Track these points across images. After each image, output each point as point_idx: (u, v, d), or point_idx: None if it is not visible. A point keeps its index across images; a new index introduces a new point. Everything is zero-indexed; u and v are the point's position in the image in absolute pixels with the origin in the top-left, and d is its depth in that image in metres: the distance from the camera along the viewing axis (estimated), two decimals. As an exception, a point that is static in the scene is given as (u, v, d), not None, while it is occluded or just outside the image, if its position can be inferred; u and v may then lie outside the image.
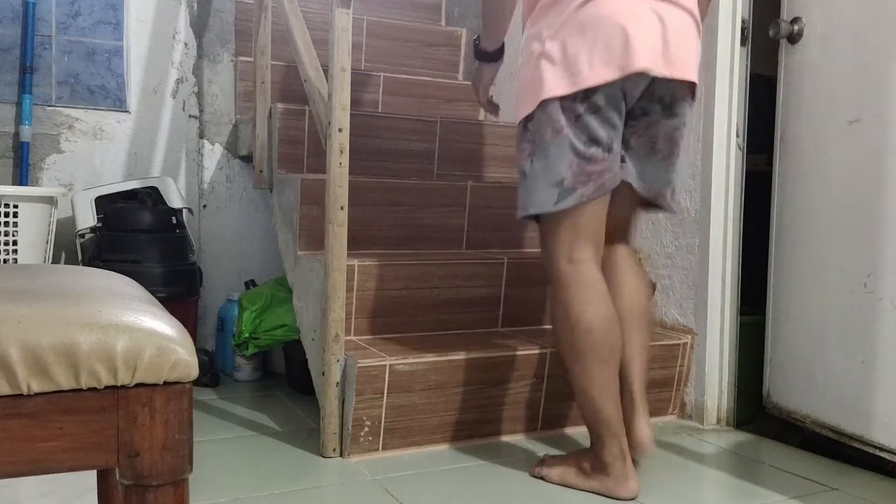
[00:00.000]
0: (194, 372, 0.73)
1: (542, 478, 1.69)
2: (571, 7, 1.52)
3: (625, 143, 1.62)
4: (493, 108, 1.92)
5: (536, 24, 1.59)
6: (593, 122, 1.53)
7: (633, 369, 1.67)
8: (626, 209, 1.71)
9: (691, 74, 1.57)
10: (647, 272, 2.32)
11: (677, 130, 1.63)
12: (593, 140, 1.54)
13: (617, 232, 1.71)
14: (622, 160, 1.63)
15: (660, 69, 1.51)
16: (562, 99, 1.52)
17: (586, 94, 1.51)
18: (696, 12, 1.60)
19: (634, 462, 1.64)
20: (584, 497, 1.61)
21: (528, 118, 1.58)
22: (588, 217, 1.58)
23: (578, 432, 2.02)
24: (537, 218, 1.64)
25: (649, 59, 1.50)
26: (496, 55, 1.83)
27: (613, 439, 1.59)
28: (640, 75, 1.51)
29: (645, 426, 1.66)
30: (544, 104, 1.54)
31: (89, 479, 1.23)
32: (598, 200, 1.58)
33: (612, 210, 1.65)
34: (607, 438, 1.59)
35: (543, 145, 1.56)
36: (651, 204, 1.71)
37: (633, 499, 1.59)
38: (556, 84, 1.52)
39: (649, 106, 1.59)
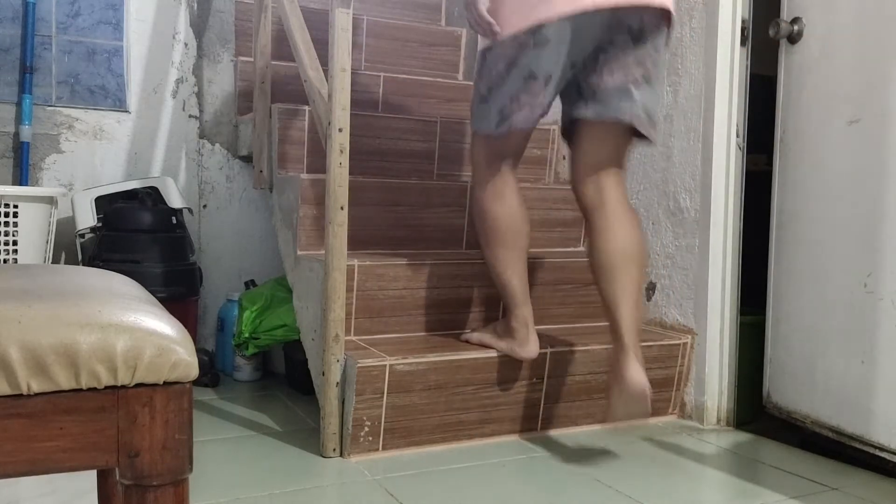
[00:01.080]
0: (194, 372, 0.73)
1: (466, 341, 1.99)
2: None
3: (597, 80, 1.72)
4: (489, 25, 1.95)
5: None
6: (540, 56, 1.66)
7: (620, 312, 1.73)
8: (610, 148, 1.80)
9: (656, 2, 1.65)
10: (648, 271, 2.32)
11: (648, 56, 1.71)
12: (533, 74, 1.68)
13: (604, 174, 1.79)
14: (592, 100, 1.74)
15: (617, 1, 1.61)
16: (516, 34, 1.66)
17: (538, 28, 1.63)
18: None
19: (632, 401, 1.70)
20: (585, 497, 1.61)
21: (488, 49, 1.75)
22: (515, 138, 1.80)
23: (579, 432, 2.02)
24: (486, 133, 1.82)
25: None
26: None
27: (518, 309, 1.87)
28: (596, 12, 1.62)
29: (637, 370, 1.69)
30: (503, 40, 1.68)
31: (89, 479, 1.23)
32: (526, 127, 1.77)
33: (595, 151, 1.79)
34: (513, 308, 1.87)
35: (497, 75, 1.72)
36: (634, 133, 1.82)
37: (531, 358, 1.89)
38: (511, 20, 1.66)
39: (617, 37, 1.69)
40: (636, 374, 1.68)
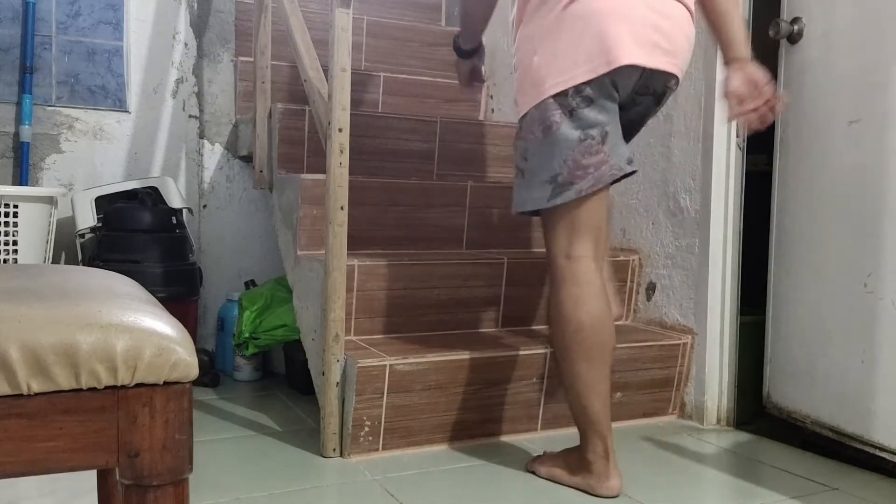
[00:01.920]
0: (194, 372, 0.73)
1: (533, 472, 1.73)
2: (561, 4, 1.55)
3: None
4: (472, 80, 2.01)
5: (528, 24, 1.62)
6: (589, 115, 1.55)
7: (604, 408, 1.63)
8: (607, 212, 1.69)
9: (682, 65, 1.62)
10: (647, 272, 2.32)
11: (655, 115, 1.74)
12: (588, 133, 1.55)
13: (606, 244, 1.76)
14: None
15: (651, 62, 1.54)
16: (555, 96, 1.55)
17: (578, 89, 1.54)
18: (690, 1, 1.62)
19: None
20: (584, 498, 1.61)
21: (524, 116, 1.62)
22: (586, 212, 1.59)
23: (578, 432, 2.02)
24: (538, 213, 1.66)
25: (638, 53, 1.52)
26: (472, 53, 1.97)
27: (598, 438, 1.61)
28: (631, 68, 1.53)
29: (618, 478, 1.63)
30: (540, 102, 1.57)
31: (89, 479, 1.23)
32: (596, 194, 1.59)
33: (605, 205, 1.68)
34: (592, 436, 1.61)
35: (538, 142, 1.58)
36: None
37: (614, 497, 1.61)
38: (548, 82, 1.55)
39: (641, 98, 1.63)
40: (616, 482, 1.62)
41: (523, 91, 1.61)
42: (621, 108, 1.61)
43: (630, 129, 1.69)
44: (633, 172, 1.64)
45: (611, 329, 1.61)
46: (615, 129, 1.59)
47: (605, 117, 1.56)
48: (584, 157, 1.55)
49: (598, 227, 1.62)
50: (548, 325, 1.68)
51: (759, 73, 1.55)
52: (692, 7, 1.62)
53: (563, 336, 1.60)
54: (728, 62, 1.59)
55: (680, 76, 1.62)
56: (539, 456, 1.77)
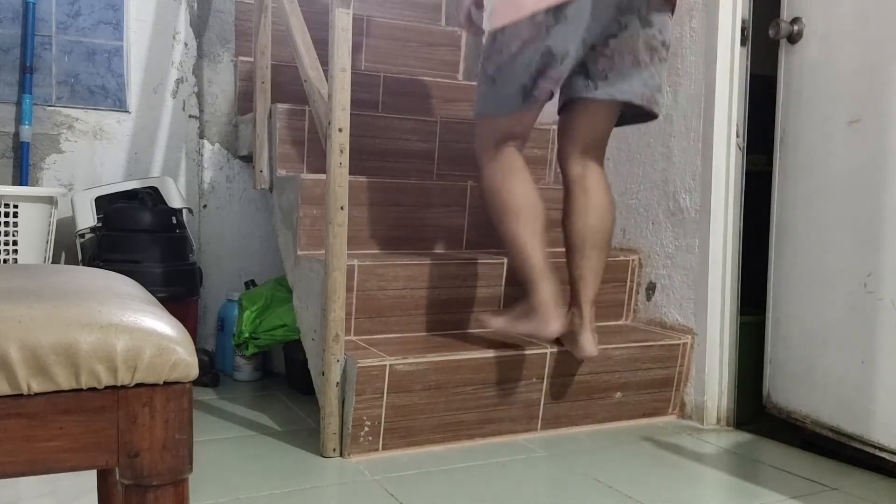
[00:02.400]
0: (194, 372, 0.73)
1: (483, 324, 1.93)
2: None
3: (608, 63, 1.77)
4: (474, 27, 2.02)
5: None
6: (558, 33, 1.67)
7: (583, 286, 1.88)
8: (604, 130, 1.87)
9: None
10: (647, 272, 2.32)
11: (655, 38, 1.78)
12: (551, 52, 1.68)
13: (591, 149, 1.88)
14: (603, 81, 1.78)
15: None
16: (533, 14, 1.67)
17: (557, 8, 1.65)
18: None
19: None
20: (585, 497, 1.61)
21: (500, 30, 1.74)
22: (524, 119, 1.80)
23: (579, 432, 2.02)
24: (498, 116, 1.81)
25: None
26: None
27: (540, 284, 1.78)
28: None
29: (589, 339, 1.89)
30: (518, 19, 1.69)
31: (89, 479, 1.23)
32: (539, 105, 1.77)
33: (591, 132, 1.84)
34: (535, 284, 1.79)
35: (511, 56, 1.72)
36: (632, 116, 1.88)
37: (555, 337, 1.84)
38: (526, 1, 1.67)
39: (627, 19, 1.72)
40: (588, 343, 1.88)
41: (505, 6, 1.72)
42: (609, 34, 1.73)
43: (634, 54, 1.76)
44: (647, 114, 1.84)
45: (537, 193, 1.80)
46: (573, 56, 1.71)
47: (576, 38, 1.69)
48: (547, 70, 1.70)
49: (527, 132, 1.84)
50: (484, 202, 1.86)
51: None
52: None
53: (496, 204, 1.81)
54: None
55: None
56: (493, 310, 2.00)
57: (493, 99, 1.79)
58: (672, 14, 1.82)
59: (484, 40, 1.82)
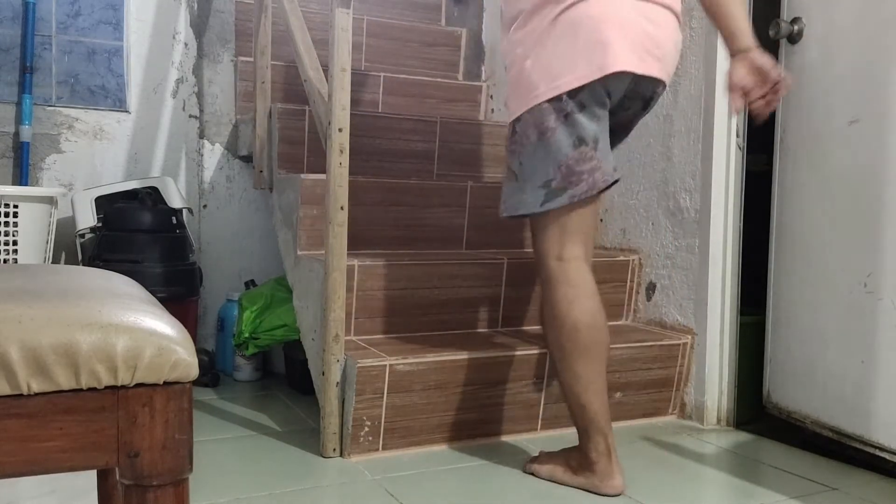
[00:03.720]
0: (194, 372, 0.73)
1: (532, 473, 1.72)
2: (556, 11, 1.56)
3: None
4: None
5: (521, 29, 1.62)
6: (582, 120, 1.56)
7: (601, 406, 1.65)
8: (598, 211, 1.81)
9: (670, 71, 1.64)
10: (647, 272, 2.32)
11: (641, 120, 1.76)
12: (582, 139, 1.57)
13: (592, 246, 1.75)
14: None
15: (642, 69, 1.56)
16: (549, 101, 1.56)
17: (572, 94, 1.55)
18: (678, 8, 1.65)
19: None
20: (585, 497, 1.61)
21: (517, 120, 1.62)
22: (578, 216, 1.62)
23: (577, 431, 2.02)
24: (526, 215, 1.66)
25: (631, 60, 1.54)
26: None
27: (599, 436, 1.62)
28: (623, 74, 1.55)
29: (621, 476, 1.64)
30: (533, 107, 1.58)
31: (89, 479, 1.23)
32: (588, 200, 1.61)
33: (594, 213, 1.72)
34: (593, 435, 1.62)
35: (533, 146, 1.59)
36: None
37: (617, 495, 1.62)
38: (542, 87, 1.57)
39: (630, 102, 1.65)
40: (620, 480, 1.63)
41: (517, 95, 1.62)
42: (610, 113, 1.63)
43: (617, 134, 1.72)
44: (617, 181, 1.66)
45: (605, 327, 1.63)
46: (605, 137, 1.62)
47: (598, 124, 1.59)
48: (578, 163, 1.57)
49: (588, 231, 1.65)
50: (542, 326, 1.70)
51: (764, 59, 1.52)
52: (679, 13, 1.65)
53: (559, 336, 1.61)
54: (732, 54, 1.57)
55: (667, 81, 1.66)
56: (537, 456, 1.77)
57: (519, 197, 1.62)
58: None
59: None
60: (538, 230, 1.65)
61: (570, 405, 1.65)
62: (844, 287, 1.83)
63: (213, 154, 2.67)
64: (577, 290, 1.61)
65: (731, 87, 1.56)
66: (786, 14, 2.00)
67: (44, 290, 0.79)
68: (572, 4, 1.54)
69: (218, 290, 2.66)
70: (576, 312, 1.59)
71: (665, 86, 1.66)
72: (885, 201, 1.74)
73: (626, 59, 1.54)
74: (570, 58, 1.54)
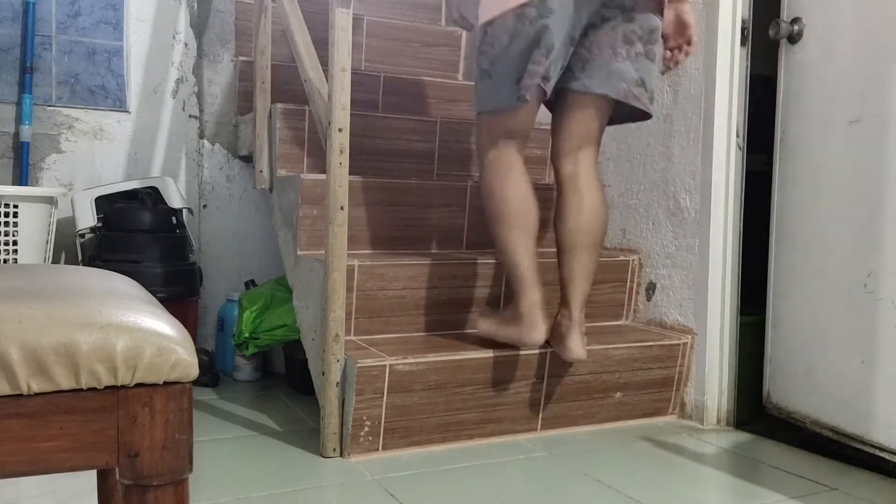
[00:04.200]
0: (194, 372, 0.73)
1: (476, 331, 1.94)
2: None
3: (586, 54, 1.78)
4: (465, 22, 2.01)
5: None
6: (547, 27, 1.67)
7: (575, 287, 1.86)
8: (593, 124, 1.86)
9: None
10: (647, 272, 2.32)
11: (634, 32, 1.78)
12: (540, 45, 1.69)
13: (584, 150, 1.87)
14: (582, 72, 1.79)
15: None
16: (519, 7, 1.67)
17: (542, 1, 1.66)
18: None
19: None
20: (585, 497, 1.61)
21: (489, 24, 1.74)
22: (523, 115, 1.79)
23: (579, 432, 2.02)
24: (503, 110, 1.80)
25: None
26: None
27: (528, 291, 1.80)
28: None
29: (578, 341, 1.86)
30: (504, 13, 1.70)
31: (89, 479, 1.23)
32: (533, 101, 1.76)
33: (580, 127, 1.83)
34: (523, 291, 1.80)
35: (504, 48, 1.72)
36: (627, 114, 1.87)
37: (538, 344, 1.84)
38: None
39: (608, 12, 1.74)
40: (576, 345, 1.86)
41: (489, 1, 1.73)
42: (591, 25, 1.75)
43: (612, 47, 1.77)
44: (638, 114, 1.88)
45: (533, 201, 1.81)
46: (564, 48, 1.72)
47: (562, 32, 1.69)
48: (539, 66, 1.70)
49: (526, 132, 1.83)
50: (481, 201, 1.86)
51: (688, 16, 1.80)
52: None
53: (491, 206, 1.81)
54: (668, 1, 1.79)
55: None
56: (481, 312, 1.96)
57: (490, 94, 1.78)
58: (661, 15, 1.80)
59: (476, 35, 1.83)
60: (486, 123, 1.82)
61: (504, 266, 1.85)
62: (844, 287, 1.83)
63: (213, 154, 2.67)
64: (508, 169, 1.81)
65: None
66: (786, 14, 2.00)
67: (44, 290, 0.79)
68: None
69: (218, 290, 2.66)
70: (506, 187, 1.79)
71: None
72: (885, 201, 1.74)
73: None
74: None
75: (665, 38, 1.83)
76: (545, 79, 1.73)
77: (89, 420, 0.70)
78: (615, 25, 1.76)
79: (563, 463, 1.80)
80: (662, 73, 2.02)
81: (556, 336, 1.90)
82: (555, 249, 1.92)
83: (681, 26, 1.81)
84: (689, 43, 1.82)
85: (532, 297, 1.81)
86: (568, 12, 1.69)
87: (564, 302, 1.90)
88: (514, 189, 1.80)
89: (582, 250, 1.85)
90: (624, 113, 1.88)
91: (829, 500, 1.63)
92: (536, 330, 1.81)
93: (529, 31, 1.69)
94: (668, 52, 1.86)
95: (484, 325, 1.91)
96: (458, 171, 2.59)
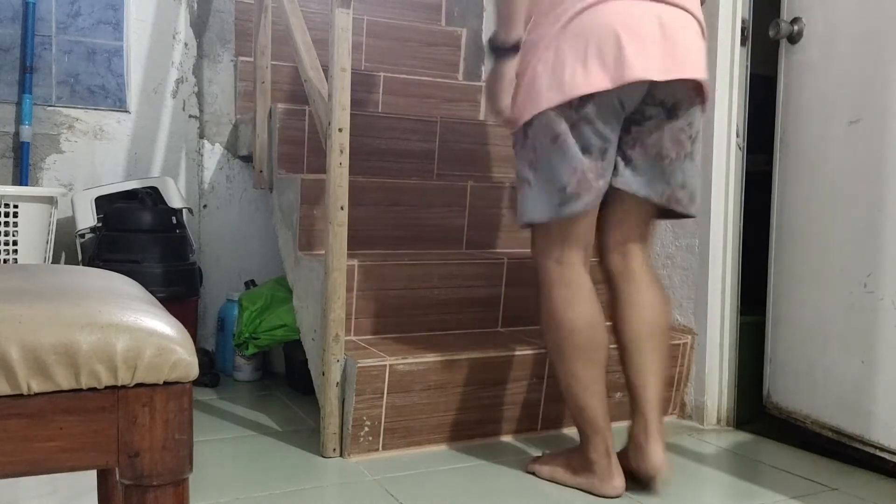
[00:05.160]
0: (194, 372, 0.73)
1: (534, 473, 1.72)
2: (568, 15, 1.51)
3: (630, 152, 1.62)
4: (511, 120, 1.65)
5: (533, 32, 1.58)
6: (587, 131, 1.53)
7: (648, 395, 1.64)
8: (639, 220, 1.69)
9: (692, 73, 1.54)
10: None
11: (683, 132, 1.61)
12: (587, 148, 1.54)
13: (632, 244, 1.70)
14: (625, 169, 1.62)
15: (656, 74, 1.49)
16: (558, 107, 1.52)
17: (581, 103, 1.51)
18: (698, 12, 1.59)
19: (650, 482, 1.63)
20: (583, 498, 1.61)
21: (527, 125, 1.59)
22: (580, 223, 1.61)
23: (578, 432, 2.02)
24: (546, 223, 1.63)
25: (644, 67, 1.48)
26: (517, 47, 1.61)
27: (598, 437, 1.62)
28: (636, 83, 1.50)
29: (658, 451, 1.62)
30: (541, 113, 1.54)
31: (89, 479, 1.23)
32: (592, 209, 1.61)
33: (625, 221, 1.67)
34: (592, 436, 1.62)
35: (544, 153, 1.57)
36: (669, 211, 1.68)
37: (617, 496, 1.61)
38: (551, 93, 1.52)
39: (651, 110, 1.58)
40: (657, 455, 1.61)
41: (527, 98, 1.57)
42: (632, 122, 1.59)
43: (658, 148, 1.61)
44: (683, 215, 1.66)
45: (604, 329, 1.62)
46: (613, 147, 1.58)
47: (602, 137, 1.55)
48: (589, 171, 1.55)
49: (588, 239, 1.65)
50: (541, 330, 1.69)
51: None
52: (700, 15, 1.59)
53: (556, 337, 1.62)
54: None
55: (695, 79, 1.55)
56: (539, 456, 1.77)
57: (535, 203, 1.60)
58: (704, 108, 1.64)
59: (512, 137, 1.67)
60: (541, 234, 1.65)
61: (570, 406, 1.65)
62: (844, 287, 1.83)
63: (213, 154, 2.67)
64: (575, 293, 1.61)
65: None
66: (786, 14, 2.00)
67: (44, 290, 0.79)
68: (584, 9, 1.50)
69: (218, 290, 2.66)
70: (573, 314, 1.59)
71: (692, 90, 1.57)
72: (885, 201, 1.74)
73: (639, 67, 1.48)
74: (582, 64, 1.49)
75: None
76: (602, 178, 1.58)
77: (89, 420, 0.70)
78: (658, 125, 1.59)
79: (563, 463, 1.80)
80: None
81: (632, 447, 1.65)
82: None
83: None
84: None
85: (605, 443, 1.62)
86: (609, 113, 1.54)
87: (637, 408, 1.65)
88: (581, 317, 1.59)
89: (650, 349, 1.65)
90: (667, 211, 1.71)
91: (829, 500, 1.63)
92: (615, 479, 1.61)
93: (575, 134, 1.53)
94: None
95: (546, 471, 1.71)
96: (458, 171, 2.59)
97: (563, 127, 1.53)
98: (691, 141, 1.63)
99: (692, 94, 1.59)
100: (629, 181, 1.62)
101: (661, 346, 1.67)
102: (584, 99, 1.50)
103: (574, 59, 1.50)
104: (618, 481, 1.61)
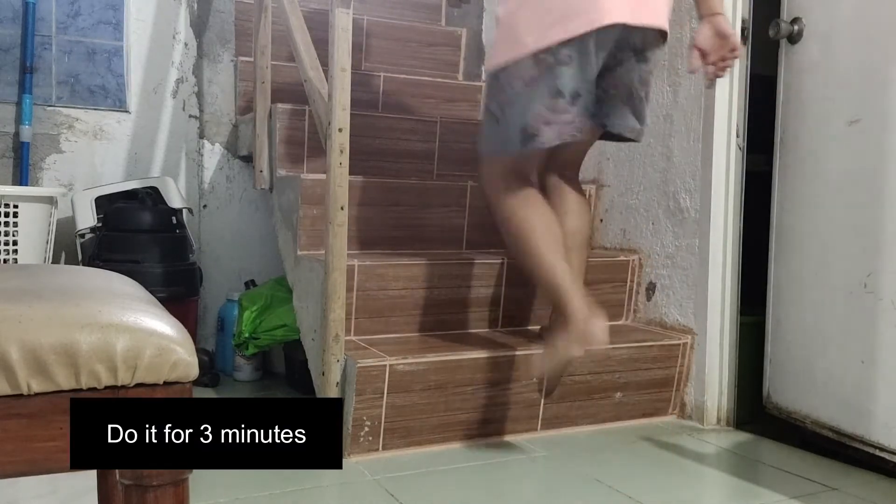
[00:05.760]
0: (194, 372, 0.73)
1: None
2: None
3: (603, 93, 1.73)
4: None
5: None
6: (565, 74, 1.62)
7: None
8: (585, 147, 1.90)
9: (661, 22, 1.68)
10: (647, 272, 2.32)
11: (649, 73, 1.77)
12: (559, 92, 1.63)
13: (571, 166, 1.90)
14: (601, 109, 1.75)
15: (630, 19, 1.62)
16: (535, 53, 1.62)
17: (559, 48, 1.60)
18: None
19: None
20: (583, 497, 1.61)
21: (502, 69, 1.68)
22: (536, 159, 1.79)
23: (579, 432, 2.02)
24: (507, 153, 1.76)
25: (619, 12, 1.60)
26: None
27: (572, 292, 1.70)
28: (611, 27, 1.61)
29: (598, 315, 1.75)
30: (519, 58, 1.64)
31: (89, 479, 1.23)
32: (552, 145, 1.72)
33: (573, 148, 1.82)
34: (567, 295, 1.70)
35: (514, 94, 1.67)
36: (615, 135, 1.84)
37: (603, 331, 1.71)
38: (529, 39, 1.62)
39: (623, 54, 1.69)
40: (601, 322, 1.71)
41: (505, 45, 1.68)
42: (605, 67, 1.69)
43: (628, 90, 1.74)
44: (630, 140, 1.81)
45: (555, 219, 1.76)
46: (586, 90, 1.67)
47: (581, 79, 1.64)
48: (553, 113, 1.64)
49: (536, 164, 1.82)
50: (504, 238, 1.81)
51: (726, 26, 1.69)
52: None
53: (511, 227, 1.75)
54: (701, 17, 1.72)
55: (659, 28, 1.68)
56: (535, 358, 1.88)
57: (498, 139, 1.73)
58: (663, 46, 1.79)
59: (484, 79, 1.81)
60: (495, 165, 1.78)
61: (545, 290, 1.80)
62: (844, 287, 1.83)
63: (213, 154, 2.67)
64: (524, 196, 1.75)
65: (694, 47, 1.70)
66: (786, 14, 2.00)
67: (44, 290, 0.79)
68: None
69: (218, 290, 2.66)
70: (525, 210, 1.74)
71: (659, 35, 1.71)
72: (885, 201, 1.74)
73: (614, 11, 1.59)
74: (560, 10, 1.60)
75: (704, 53, 1.70)
76: (573, 125, 1.67)
77: (89, 420, 0.70)
78: (630, 68, 1.72)
79: (563, 463, 1.80)
80: (708, 88, 2.04)
81: (567, 320, 1.73)
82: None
83: (721, 38, 1.69)
84: (732, 50, 1.70)
85: (576, 297, 1.69)
86: (587, 56, 1.63)
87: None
88: (532, 209, 1.73)
89: (571, 250, 1.81)
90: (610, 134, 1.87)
91: (829, 500, 1.63)
92: (595, 318, 1.69)
93: (548, 79, 1.62)
94: (712, 66, 1.72)
95: (543, 360, 1.77)
96: (457, 171, 2.58)
97: (539, 71, 1.63)
98: (651, 78, 1.80)
99: (657, 38, 1.72)
100: (605, 121, 1.77)
101: (581, 250, 1.88)
102: (564, 43, 1.60)
103: (554, 4, 1.61)
104: (600, 318, 1.70)
